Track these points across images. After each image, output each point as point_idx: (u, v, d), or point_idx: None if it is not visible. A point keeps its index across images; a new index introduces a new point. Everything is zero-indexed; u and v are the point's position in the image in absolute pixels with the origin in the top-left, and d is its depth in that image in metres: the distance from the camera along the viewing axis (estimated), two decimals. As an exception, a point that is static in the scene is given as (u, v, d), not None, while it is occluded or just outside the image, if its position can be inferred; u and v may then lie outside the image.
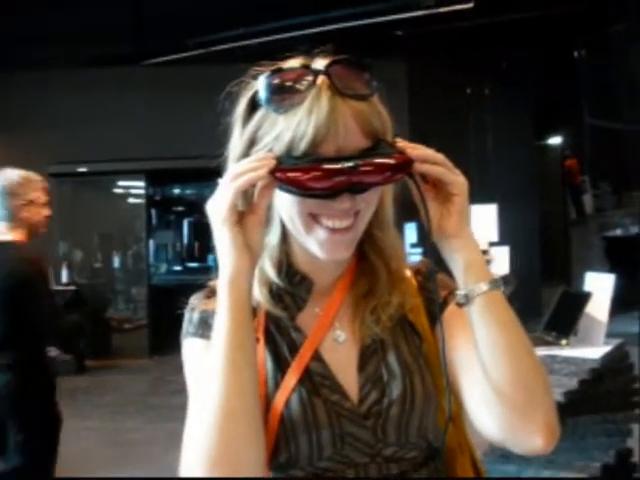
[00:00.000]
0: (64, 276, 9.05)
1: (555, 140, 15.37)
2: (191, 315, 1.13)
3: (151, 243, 12.11)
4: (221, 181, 0.99)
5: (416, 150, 1.02)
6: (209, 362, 0.97)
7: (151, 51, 9.14)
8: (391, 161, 0.99)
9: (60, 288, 8.81)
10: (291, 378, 1.05)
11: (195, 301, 1.15)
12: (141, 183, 10.97)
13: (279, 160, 0.97)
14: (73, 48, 9.01)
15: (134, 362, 9.13)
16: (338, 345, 1.11)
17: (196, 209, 13.08)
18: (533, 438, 0.99)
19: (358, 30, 7.85)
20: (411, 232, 7.91)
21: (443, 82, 10.18)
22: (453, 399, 1.09)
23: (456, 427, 1.16)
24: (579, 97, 12.37)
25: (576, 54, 11.16)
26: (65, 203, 10.54)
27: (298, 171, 0.96)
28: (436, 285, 1.10)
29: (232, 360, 0.95)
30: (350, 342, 1.12)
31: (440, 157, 1.02)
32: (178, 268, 13.56)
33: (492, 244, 8.14)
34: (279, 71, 1.01)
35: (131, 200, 11.98)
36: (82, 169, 10.28)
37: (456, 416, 1.14)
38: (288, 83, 1.00)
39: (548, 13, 8.78)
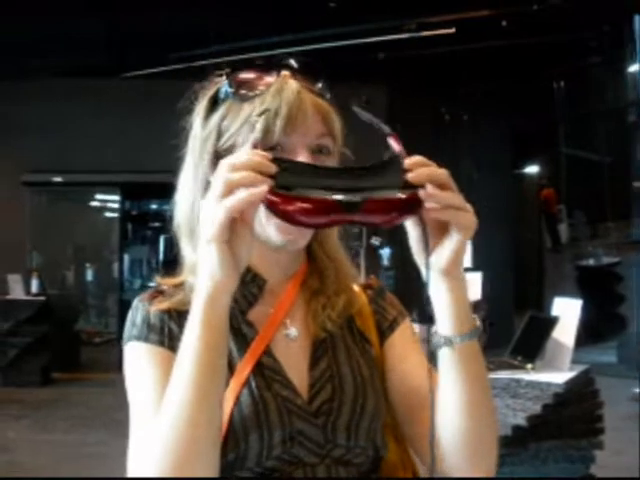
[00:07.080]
0: (34, 286, 8.91)
1: (532, 169, 15.50)
2: (135, 317, 1.08)
3: (126, 258, 12.02)
4: (213, 184, 0.86)
5: (427, 184, 0.87)
6: (174, 384, 0.90)
7: (131, 63, 9.11)
8: (400, 198, 0.86)
9: (29, 298, 8.72)
10: (243, 372, 1.02)
11: (139, 303, 1.10)
12: (116, 197, 10.91)
13: (276, 168, 0.85)
14: (52, 58, 8.95)
15: (103, 376, 8.97)
16: (290, 342, 1.09)
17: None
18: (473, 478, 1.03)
19: (340, 51, 7.89)
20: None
21: (422, 107, 10.24)
22: (390, 416, 1.12)
23: (398, 444, 1.15)
24: (556, 127, 12.48)
25: (554, 84, 11.27)
26: (39, 213, 10.47)
27: (294, 202, 0.84)
28: (394, 303, 1.14)
29: (200, 387, 0.88)
30: (302, 338, 1.10)
31: (450, 197, 0.88)
32: (153, 284, 13.41)
33: (465, 269, 8.17)
34: (243, 68, 1.05)
35: (107, 214, 11.91)
36: (56, 179, 10.20)
37: (399, 434, 1.15)
38: (253, 75, 1.03)
39: (528, 43, 8.88)
